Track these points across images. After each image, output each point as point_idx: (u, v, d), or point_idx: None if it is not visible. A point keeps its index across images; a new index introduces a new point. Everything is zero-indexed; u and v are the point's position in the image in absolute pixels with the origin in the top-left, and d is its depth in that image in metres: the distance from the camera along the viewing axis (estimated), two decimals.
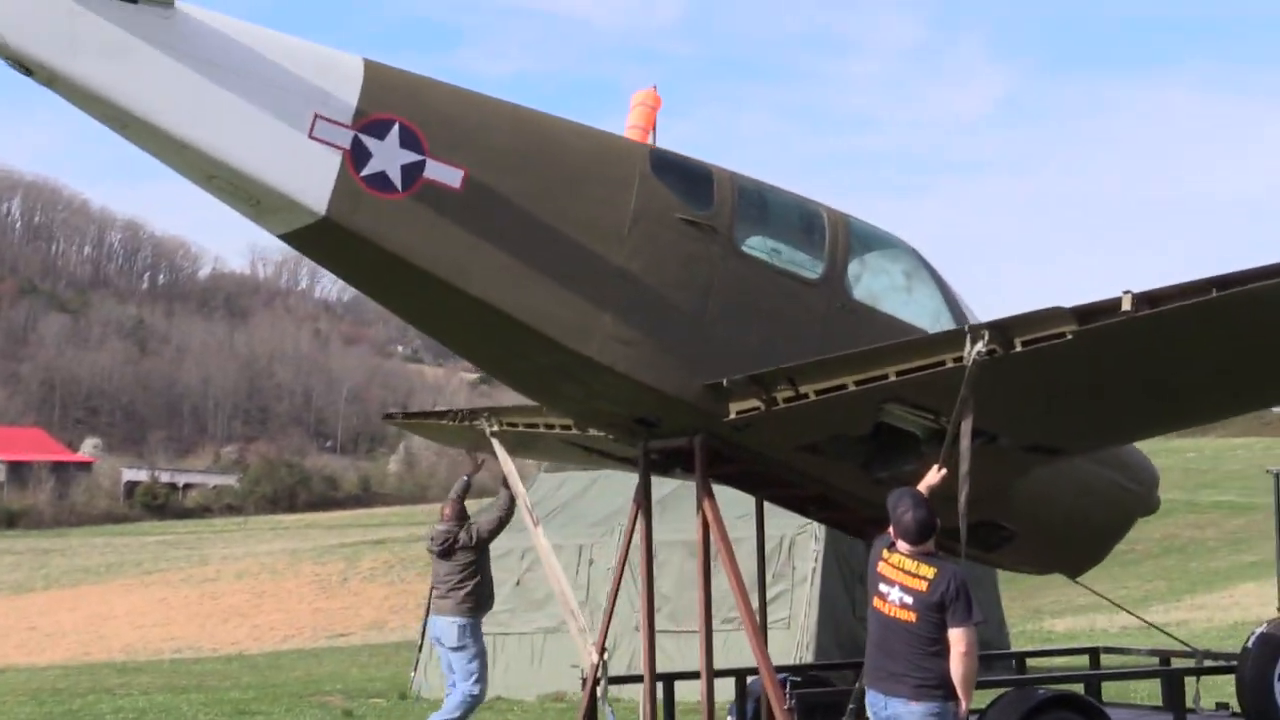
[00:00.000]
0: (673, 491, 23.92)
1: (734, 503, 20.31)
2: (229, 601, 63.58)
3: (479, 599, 16.17)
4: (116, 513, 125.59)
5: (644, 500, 13.70)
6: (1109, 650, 17.74)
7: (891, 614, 9.38)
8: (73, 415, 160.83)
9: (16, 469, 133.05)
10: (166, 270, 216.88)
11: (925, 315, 13.05)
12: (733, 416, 11.93)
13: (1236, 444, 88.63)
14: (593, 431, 14.05)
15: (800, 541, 22.03)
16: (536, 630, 24.27)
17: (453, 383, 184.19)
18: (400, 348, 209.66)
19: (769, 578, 21.71)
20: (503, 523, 16.35)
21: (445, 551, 16.07)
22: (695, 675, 17.02)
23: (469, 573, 16.14)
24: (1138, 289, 9.75)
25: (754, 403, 11.78)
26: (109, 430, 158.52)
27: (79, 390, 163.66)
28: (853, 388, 11.24)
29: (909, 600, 9.30)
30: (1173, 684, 13.99)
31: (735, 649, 22.06)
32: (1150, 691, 16.32)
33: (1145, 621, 17.70)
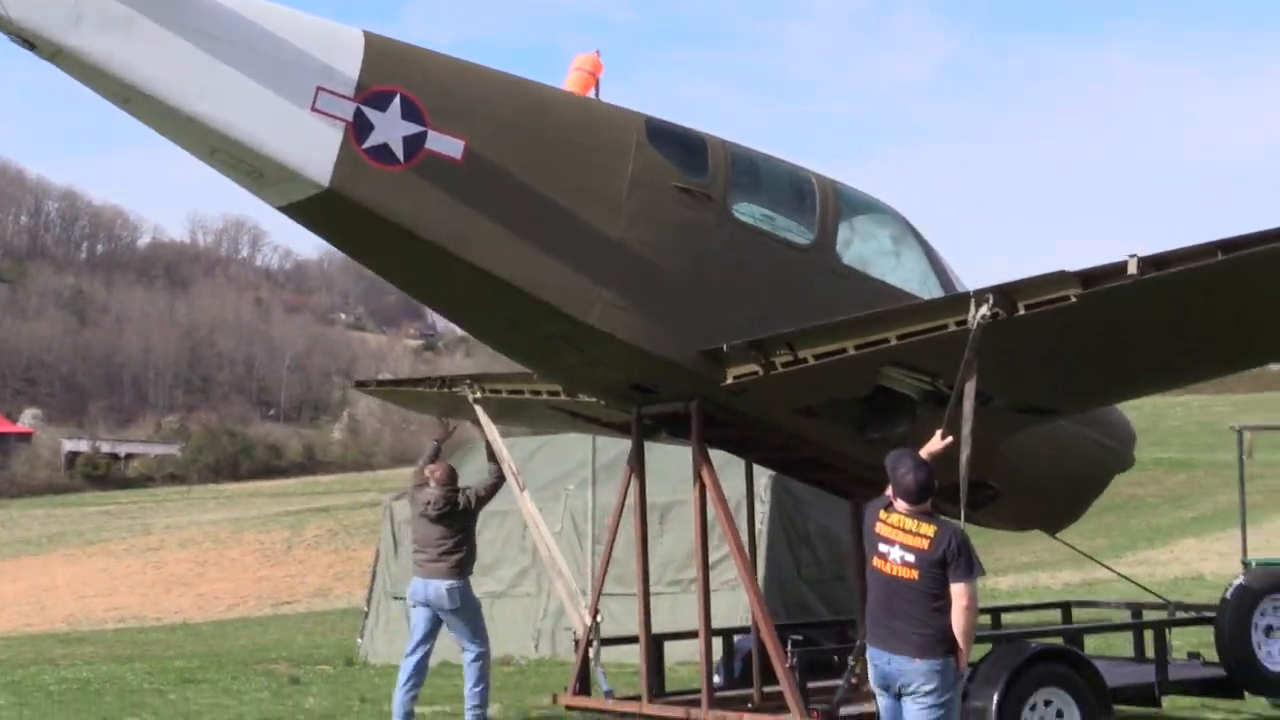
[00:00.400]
0: (617, 456, 23.95)
1: (685, 464, 20.34)
2: (173, 570, 63.39)
3: (468, 562, 16.26)
4: (58, 483, 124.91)
5: (637, 465, 13.86)
6: (1081, 604, 17.93)
7: (893, 572, 9.47)
8: (12, 386, 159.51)
9: None
10: (105, 239, 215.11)
11: (913, 279, 13.27)
12: (730, 381, 12.08)
13: (1175, 401, 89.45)
14: (583, 398, 14.16)
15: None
16: (484, 595, 24.17)
17: (396, 350, 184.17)
18: (343, 315, 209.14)
19: (716, 538, 21.88)
20: (496, 488, 16.50)
21: (442, 516, 16.18)
22: (686, 635, 17.29)
23: (462, 537, 16.29)
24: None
25: (752, 367, 11.93)
26: (49, 400, 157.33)
27: (18, 361, 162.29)
28: (853, 351, 11.38)
29: (910, 558, 9.41)
30: (1156, 635, 14.11)
31: (684, 610, 22.17)
32: (1125, 643, 16.46)
33: (1120, 575, 17.87)
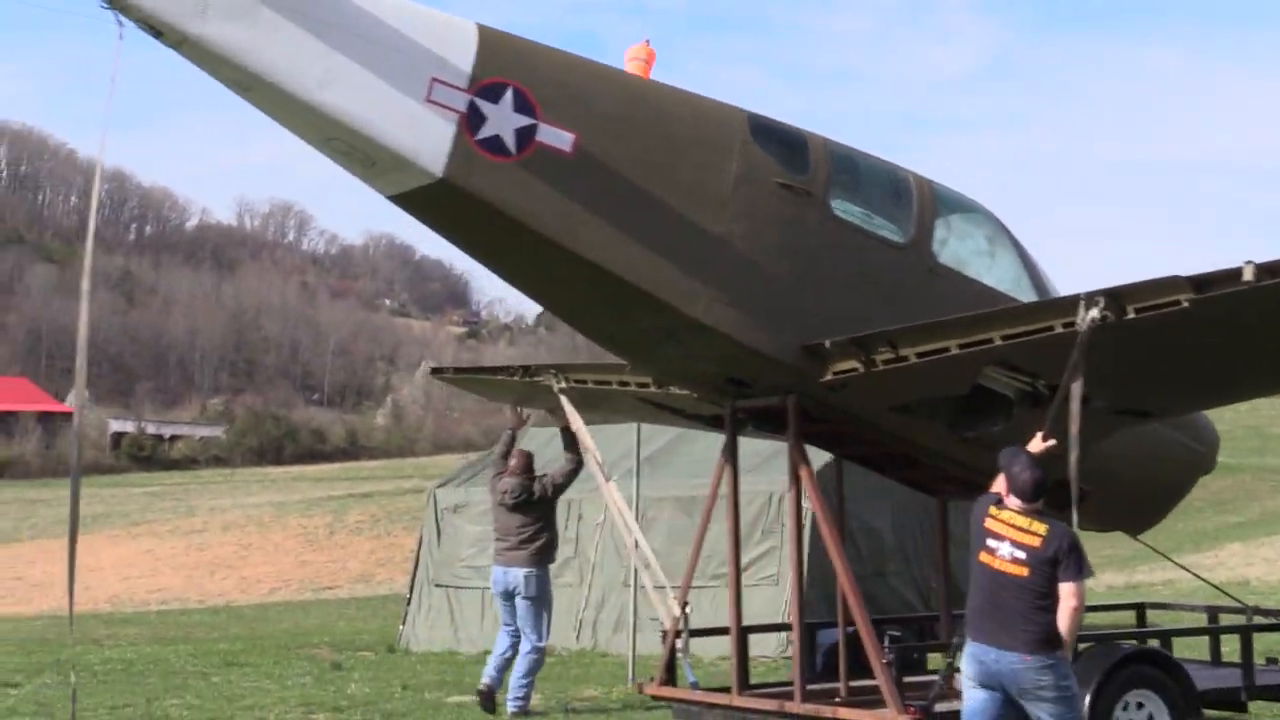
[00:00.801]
0: (661, 448, 23.96)
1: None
2: (216, 553, 63.67)
3: (549, 549, 16.71)
4: (103, 463, 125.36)
5: (730, 458, 13.94)
6: (1155, 606, 17.98)
7: (1002, 568, 9.57)
8: (59, 366, 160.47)
9: (3, 419, 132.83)
10: (153, 221, 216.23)
11: (1007, 279, 13.36)
12: (829, 377, 12.17)
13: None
14: (674, 390, 14.26)
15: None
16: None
17: (440, 336, 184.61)
18: (388, 301, 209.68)
19: (759, 534, 21.85)
20: (574, 475, 16.91)
21: (519, 505, 16.50)
22: (772, 628, 17.34)
23: (542, 525, 16.65)
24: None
25: (852, 364, 12.00)
26: (95, 381, 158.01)
27: (66, 341, 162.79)
28: (956, 351, 11.45)
29: (1021, 555, 9.51)
30: (1243, 640, 14.16)
31: (727, 604, 22.18)
32: (1188, 645, 16.46)
33: (1203, 580, 17.87)
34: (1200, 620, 16.32)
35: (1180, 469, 15.04)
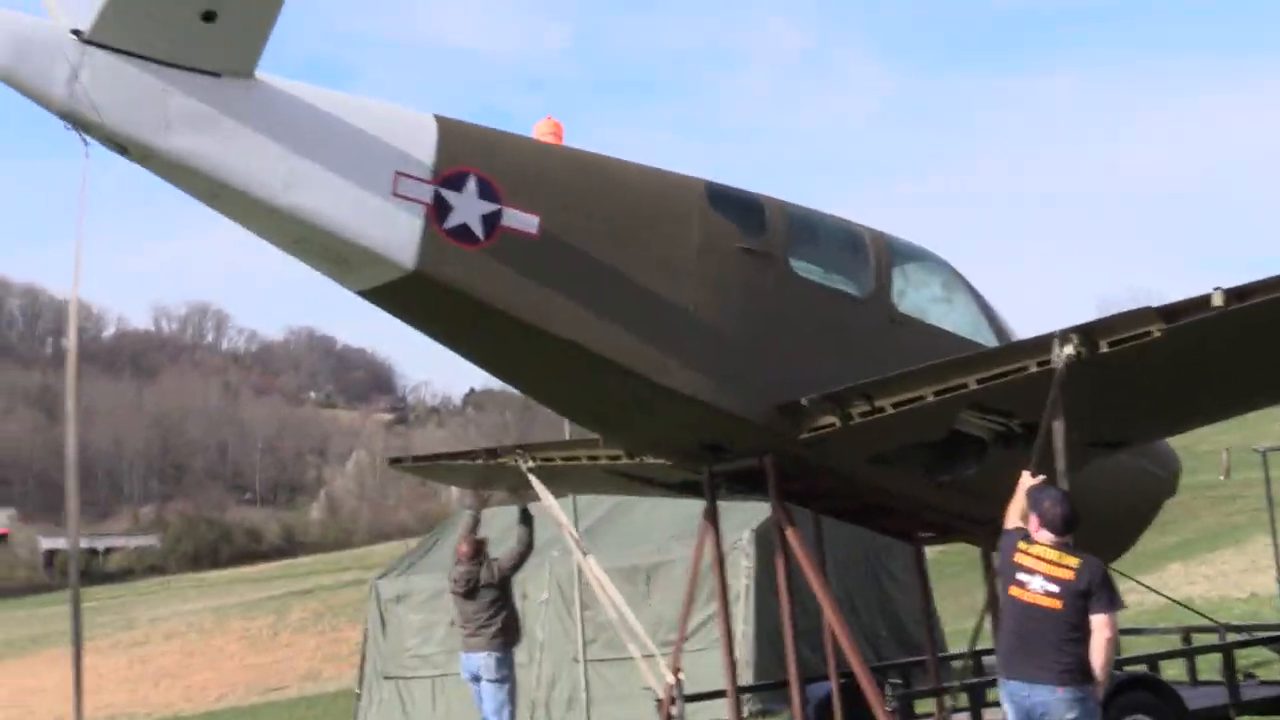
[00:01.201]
0: (599, 520, 23.91)
1: (667, 523, 20.30)
2: (159, 664, 62.85)
3: (509, 632, 16.77)
4: (38, 582, 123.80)
5: (712, 523, 14.25)
6: (1127, 632, 18.13)
7: (1034, 601, 9.68)
8: None
9: None
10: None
11: (965, 324, 13.70)
12: (806, 435, 12.37)
13: None
14: (648, 460, 14.43)
15: (732, 558, 22.06)
16: None
17: (368, 425, 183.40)
18: (313, 394, 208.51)
19: (706, 596, 21.80)
20: (523, 558, 17.00)
21: (470, 592, 16.55)
22: (764, 687, 17.40)
23: (496, 609, 16.72)
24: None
25: (829, 419, 12.21)
26: (23, 500, 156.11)
27: None
28: (931, 399, 11.66)
29: (1054, 589, 9.63)
30: (1226, 658, 14.50)
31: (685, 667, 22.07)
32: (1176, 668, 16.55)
33: (1174, 601, 18.03)
34: (1175, 642, 16.48)
35: (1146, 495, 15.33)
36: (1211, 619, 16.88)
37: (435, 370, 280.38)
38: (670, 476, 14.84)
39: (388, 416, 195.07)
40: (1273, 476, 22.30)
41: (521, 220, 11.14)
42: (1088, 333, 10.68)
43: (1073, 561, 9.71)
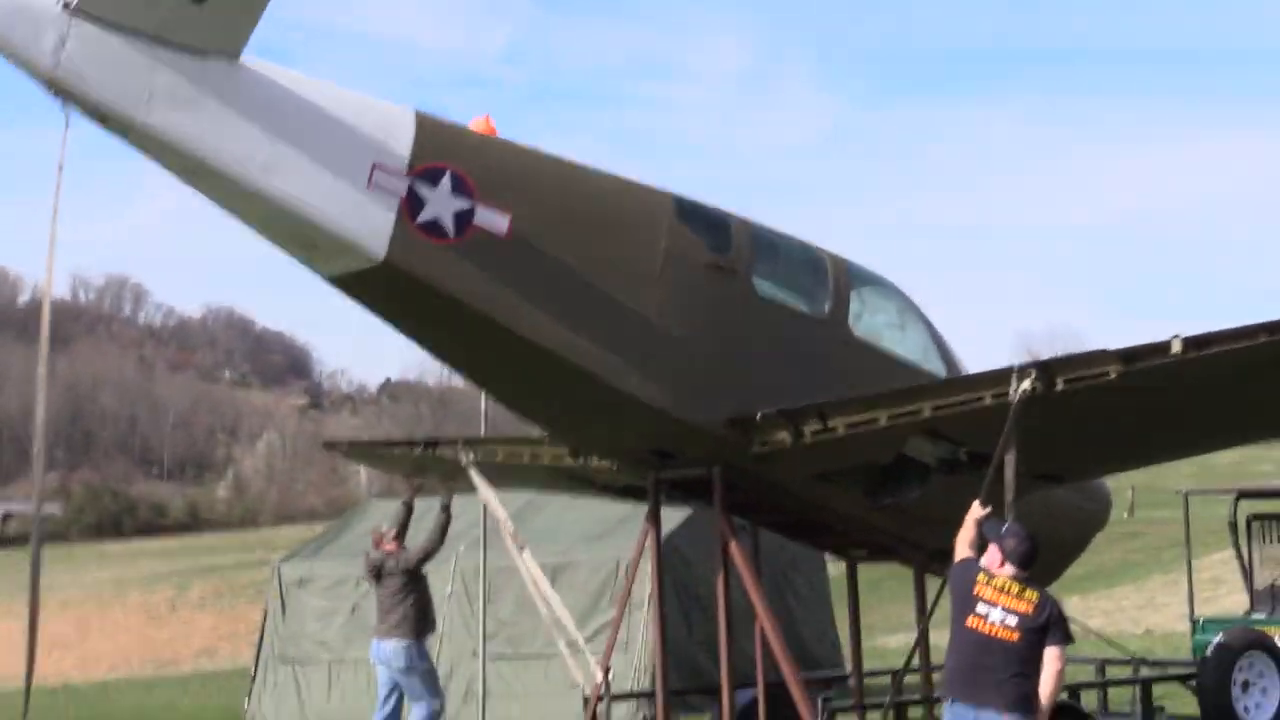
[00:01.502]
0: (513, 515, 23.95)
1: (574, 525, 20.40)
2: (53, 631, 62.03)
3: (416, 621, 16.83)
4: None
5: (654, 526, 14.35)
6: None
7: (992, 632, 9.95)
8: None
9: None
10: None
11: (916, 351, 14.01)
12: (757, 448, 12.58)
13: None
14: (594, 462, 14.63)
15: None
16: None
17: (281, 408, 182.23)
18: (228, 373, 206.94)
19: (605, 602, 21.89)
20: (432, 548, 17.14)
21: (377, 579, 16.72)
22: (695, 691, 17.55)
23: (401, 597, 16.85)
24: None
25: (781, 435, 12.44)
26: None
27: None
28: (885, 423, 11.93)
29: (1012, 621, 9.92)
30: (1143, 691, 14.78)
31: (562, 673, 22.14)
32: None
33: (1097, 635, 18.37)
34: (1090, 673, 16.79)
35: (1077, 528, 15.71)
36: (1129, 652, 17.25)
37: (352, 358, 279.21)
38: (614, 479, 15.08)
39: (302, 401, 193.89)
40: (1179, 517, 22.65)
41: (493, 219, 11.27)
42: (1046, 369, 11.00)
43: (1033, 595, 10.01)
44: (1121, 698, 16.03)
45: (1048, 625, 9.94)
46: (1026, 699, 9.87)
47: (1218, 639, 15.61)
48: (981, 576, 10.16)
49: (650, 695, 14.51)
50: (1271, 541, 20.89)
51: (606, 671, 14.91)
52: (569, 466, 15.15)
